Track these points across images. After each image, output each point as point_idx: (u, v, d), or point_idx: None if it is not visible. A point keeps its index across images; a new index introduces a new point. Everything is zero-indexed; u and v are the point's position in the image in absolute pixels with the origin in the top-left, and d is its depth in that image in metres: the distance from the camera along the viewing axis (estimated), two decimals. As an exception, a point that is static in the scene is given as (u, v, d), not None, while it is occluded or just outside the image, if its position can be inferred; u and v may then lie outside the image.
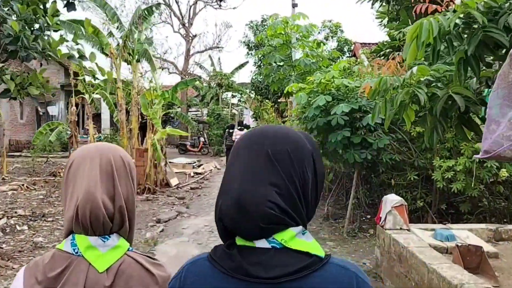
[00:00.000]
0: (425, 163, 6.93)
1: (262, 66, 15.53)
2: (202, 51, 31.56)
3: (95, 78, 7.03)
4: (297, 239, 0.94)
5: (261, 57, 13.28)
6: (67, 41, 5.84)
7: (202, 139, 24.27)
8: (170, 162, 14.84)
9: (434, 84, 2.62)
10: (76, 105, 16.05)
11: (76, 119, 14.75)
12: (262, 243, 0.94)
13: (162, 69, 29.11)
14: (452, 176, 6.28)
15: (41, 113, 23.67)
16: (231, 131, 17.77)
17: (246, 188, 0.94)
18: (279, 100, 17.55)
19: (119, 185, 1.21)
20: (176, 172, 14.58)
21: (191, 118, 23.69)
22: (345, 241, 6.98)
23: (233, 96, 32.68)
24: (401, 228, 5.23)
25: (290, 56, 10.20)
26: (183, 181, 13.85)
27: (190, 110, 33.34)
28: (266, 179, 0.94)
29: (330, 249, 6.54)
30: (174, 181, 13.00)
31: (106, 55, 16.34)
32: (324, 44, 10.62)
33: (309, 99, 6.93)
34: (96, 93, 17.79)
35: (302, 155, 0.99)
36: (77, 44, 5.98)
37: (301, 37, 10.05)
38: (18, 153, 19.99)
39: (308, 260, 0.92)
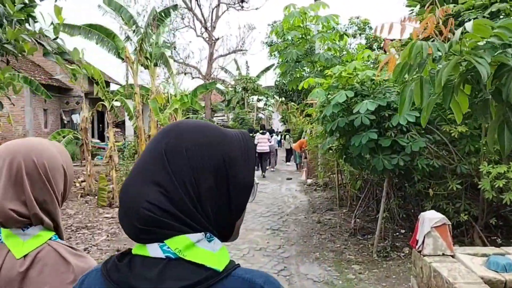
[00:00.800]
0: (470, 169, 5.75)
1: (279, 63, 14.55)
2: (225, 55, 30.90)
3: (75, 76, 6.13)
4: (197, 247, 0.79)
5: (278, 52, 12.21)
6: (44, 35, 5.08)
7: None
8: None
9: (500, 50, 1.59)
10: (98, 112, 15.62)
11: (87, 127, 14.22)
12: (155, 251, 0.79)
13: (185, 74, 28.63)
14: (504, 185, 5.13)
15: (65, 122, 23.73)
16: (251, 134, 17.15)
17: (129, 187, 0.83)
18: (303, 102, 16.55)
19: (30, 191, 1.18)
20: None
21: (216, 123, 23.05)
22: (375, 264, 5.86)
23: (258, 100, 31.94)
24: (443, 254, 4.13)
25: (310, 51, 9.14)
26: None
27: (215, 115, 32.83)
28: (150, 178, 0.81)
29: (355, 275, 5.46)
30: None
31: (122, 59, 15.79)
32: (347, 36, 9.50)
33: (328, 96, 5.90)
34: (116, 100, 17.33)
35: (202, 153, 0.81)
36: (56, 38, 5.19)
37: (322, 29, 8.98)
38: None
39: (203, 274, 0.77)
